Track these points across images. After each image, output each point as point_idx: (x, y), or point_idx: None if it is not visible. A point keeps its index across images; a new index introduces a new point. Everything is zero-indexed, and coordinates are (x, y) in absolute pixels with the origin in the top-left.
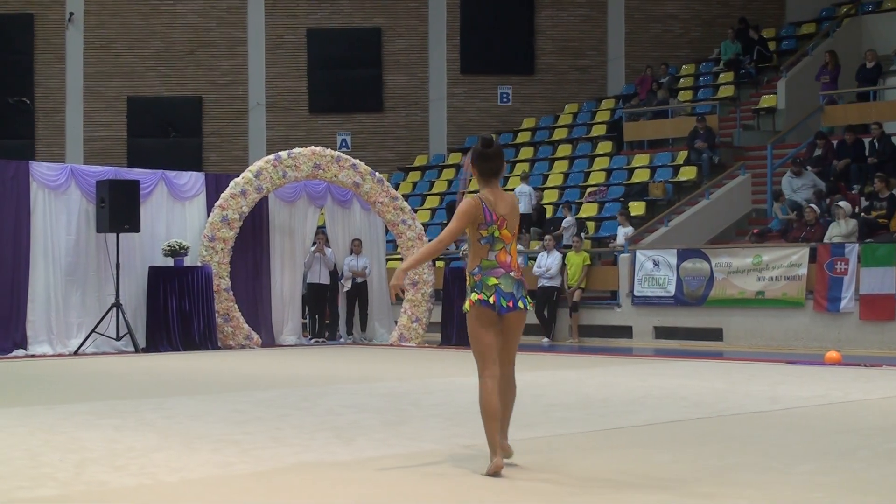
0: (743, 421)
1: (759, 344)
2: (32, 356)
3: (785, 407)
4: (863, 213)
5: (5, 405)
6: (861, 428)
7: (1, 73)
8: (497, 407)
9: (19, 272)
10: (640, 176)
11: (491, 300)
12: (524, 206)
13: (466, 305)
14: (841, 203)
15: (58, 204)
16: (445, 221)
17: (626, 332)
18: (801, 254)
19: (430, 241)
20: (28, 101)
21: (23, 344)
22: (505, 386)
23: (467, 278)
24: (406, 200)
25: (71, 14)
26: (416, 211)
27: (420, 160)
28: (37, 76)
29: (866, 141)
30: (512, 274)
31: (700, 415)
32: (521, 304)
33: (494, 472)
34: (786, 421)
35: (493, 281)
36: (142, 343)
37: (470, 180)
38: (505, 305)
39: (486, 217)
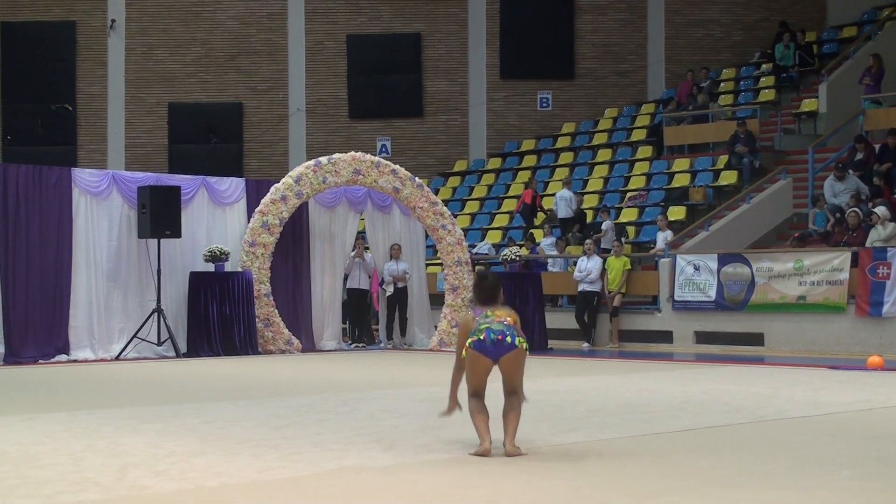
0: (784, 426)
1: (800, 349)
2: (75, 361)
3: (827, 412)
4: None
5: (49, 410)
6: None
7: (43, 80)
8: (480, 410)
9: (62, 278)
10: (681, 180)
11: (482, 337)
12: (564, 211)
13: (463, 353)
14: (877, 209)
15: (99, 210)
16: (487, 226)
17: (666, 336)
18: (842, 258)
19: (469, 246)
20: (70, 108)
21: (65, 349)
22: (508, 407)
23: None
24: (446, 205)
25: (112, 21)
26: (455, 216)
27: (460, 165)
28: (79, 83)
29: None
30: (506, 320)
31: (741, 420)
32: (508, 339)
33: (482, 454)
34: (827, 426)
35: (484, 325)
36: (183, 348)
37: None
38: (494, 338)
39: (477, 314)
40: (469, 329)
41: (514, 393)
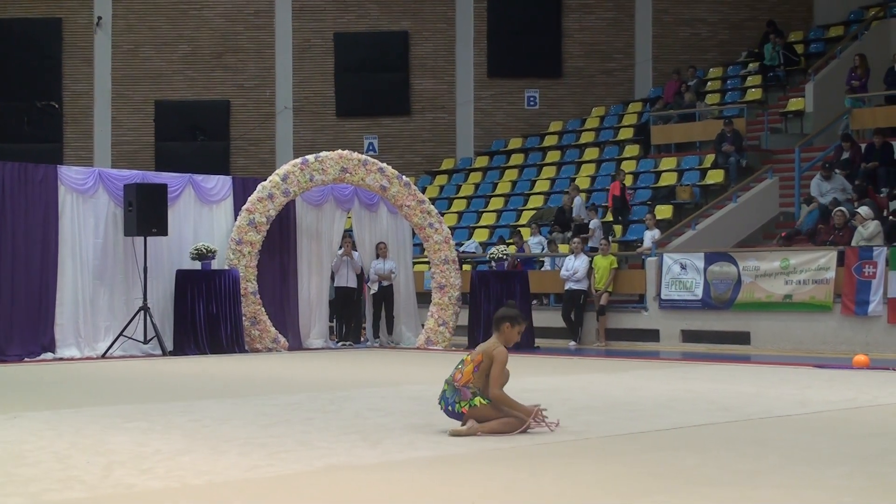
0: (771, 425)
1: (786, 348)
2: (60, 359)
3: (813, 411)
4: (891, 217)
5: (34, 408)
6: (890, 432)
7: (29, 78)
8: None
9: (47, 276)
10: (668, 179)
11: (441, 405)
12: (574, 215)
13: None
14: (860, 209)
15: (86, 208)
16: (474, 225)
17: (653, 335)
18: (828, 257)
19: (456, 244)
20: (56, 106)
21: (51, 347)
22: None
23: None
24: (433, 204)
25: (99, 18)
26: (442, 214)
27: (447, 164)
28: (65, 80)
29: (894, 144)
30: (455, 384)
31: (728, 419)
32: (450, 408)
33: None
34: (814, 425)
35: (444, 387)
36: (169, 346)
37: None
38: (448, 409)
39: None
40: (504, 363)
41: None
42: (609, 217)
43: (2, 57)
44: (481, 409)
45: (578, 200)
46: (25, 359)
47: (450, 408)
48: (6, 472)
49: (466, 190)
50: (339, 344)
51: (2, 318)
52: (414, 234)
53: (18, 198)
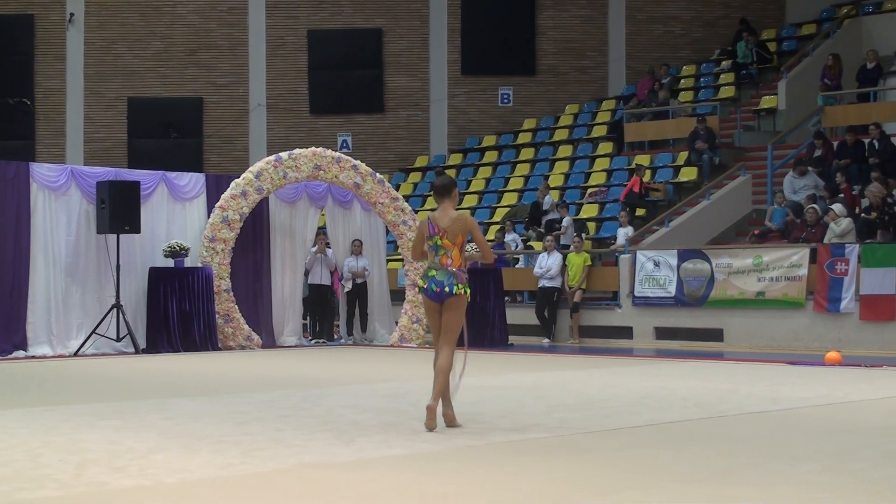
0: (744, 421)
1: (759, 344)
2: (32, 357)
3: (786, 407)
4: (863, 214)
5: (5, 407)
6: (862, 428)
7: (1, 74)
8: (444, 368)
9: (19, 274)
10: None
11: (425, 286)
12: (546, 212)
13: (419, 291)
14: (833, 206)
15: (58, 205)
16: None
17: (626, 332)
18: (801, 254)
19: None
20: (28, 102)
21: (23, 345)
22: (436, 360)
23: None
24: (407, 201)
25: (71, 15)
26: (416, 212)
27: (421, 161)
28: (37, 77)
29: (866, 141)
30: (450, 268)
31: (701, 415)
32: (447, 289)
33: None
34: (787, 421)
35: (431, 273)
36: (142, 344)
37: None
38: (434, 290)
39: (430, 230)
40: (423, 234)
41: (445, 343)
42: (581, 215)
43: None
44: (462, 300)
45: (549, 199)
46: None
47: (446, 289)
48: None
49: None
50: (313, 341)
51: None
52: (388, 231)
53: None
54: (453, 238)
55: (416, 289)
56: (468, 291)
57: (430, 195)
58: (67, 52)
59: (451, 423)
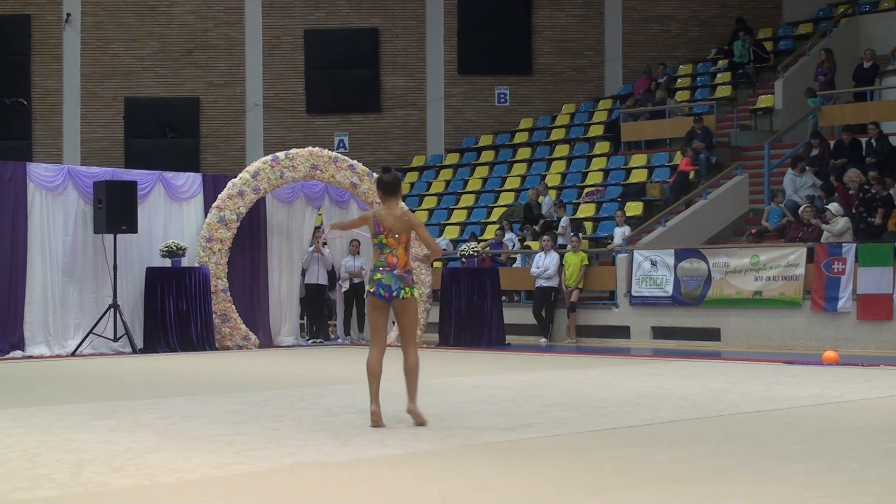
0: (740, 421)
1: (756, 344)
2: (30, 357)
3: (782, 407)
4: (860, 213)
5: (2, 406)
6: (858, 427)
7: None
8: (377, 369)
9: (16, 274)
10: (638, 176)
11: (373, 290)
12: (544, 213)
13: (366, 294)
14: (829, 205)
15: (55, 205)
16: (444, 222)
17: (623, 332)
18: (798, 254)
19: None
20: (25, 102)
21: (20, 345)
22: (406, 361)
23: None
24: (403, 200)
25: (68, 15)
26: (413, 211)
27: (418, 161)
28: (34, 77)
29: (863, 141)
30: (394, 272)
31: (698, 415)
32: (394, 294)
33: (373, 418)
34: (783, 421)
35: (377, 276)
36: (139, 344)
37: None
38: (382, 294)
39: (375, 228)
40: (365, 221)
41: (410, 343)
42: (577, 214)
43: None
44: (412, 301)
45: (548, 199)
46: None
47: (394, 294)
48: None
49: (437, 187)
50: (310, 341)
51: None
52: None
53: None
54: (398, 236)
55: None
56: (416, 293)
57: (427, 195)
58: (64, 52)
59: (419, 419)
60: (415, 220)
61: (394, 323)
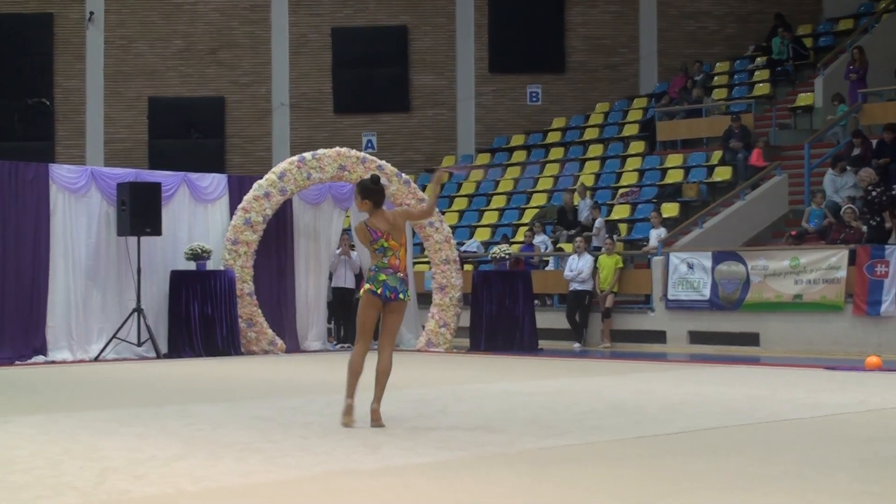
0: (781, 428)
1: (796, 349)
2: (52, 362)
3: (824, 414)
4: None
5: (25, 413)
6: None
7: (20, 74)
8: (359, 368)
9: (39, 277)
10: (674, 176)
11: (378, 291)
12: (582, 218)
13: (361, 292)
14: None
15: (78, 207)
16: (475, 224)
17: (659, 336)
18: (839, 256)
19: (457, 243)
20: (47, 102)
21: (42, 350)
22: (380, 362)
23: (365, 274)
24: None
25: (91, 13)
26: (443, 213)
27: (448, 161)
28: (56, 77)
29: None
30: (399, 274)
31: (737, 422)
32: (401, 296)
33: (345, 414)
34: (825, 428)
35: (382, 277)
36: (164, 349)
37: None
38: (388, 295)
39: (372, 235)
40: (363, 237)
41: (389, 345)
42: (612, 216)
43: None
44: (406, 305)
45: (587, 202)
46: (16, 362)
47: (399, 296)
48: None
49: (467, 188)
50: (338, 346)
51: None
52: (414, 233)
53: (9, 198)
54: (398, 237)
55: (364, 289)
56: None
57: (457, 196)
58: (87, 51)
59: (377, 421)
60: (403, 212)
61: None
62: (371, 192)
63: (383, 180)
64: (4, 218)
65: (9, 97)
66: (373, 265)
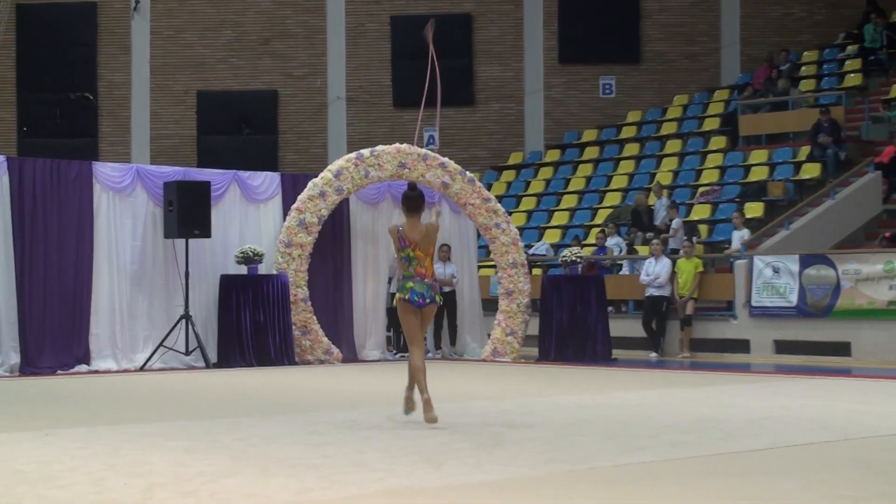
0: (877, 445)
1: (891, 359)
2: (96, 372)
3: None
4: None
5: (67, 426)
6: None
7: (63, 67)
8: (422, 367)
9: (82, 281)
10: (758, 174)
11: (406, 297)
12: (658, 219)
13: (394, 302)
14: None
15: (123, 207)
16: (544, 225)
17: (742, 346)
18: None
19: (525, 246)
20: (91, 97)
21: (85, 359)
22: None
23: (396, 283)
24: (500, 202)
25: (137, 2)
26: (510, 213)
27: (515, 158)
28: (100, 70)
29: None
30: (426, 280)
31: (829, 438)
32: (431, 300)
33: (425, 404)
34: None
35: (409, 285)
36: (213, 358)
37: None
38: (417, 300)
39: (401, 243)
40: (393, 233)
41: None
42: (691, 216)
43: (33, 45)
44: (436, 307)
45: (664, 201)
46: (58, 371)
47: (427, 300)
48: (37, 494)
49: (536, 187)
50: (398, 355)
51: (33, 328)
52: (479, 235)
53: (51, 197)
54: (426, 249)
55: (398, 298)
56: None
57: (525, 195)
58: (132, 43)
59: (412, 408)
60: (434, 227)
61: None
62: (405, 198)
63: (446, 178)
64: (46, 219)
65: (51, 91)
66: (400, 274)
